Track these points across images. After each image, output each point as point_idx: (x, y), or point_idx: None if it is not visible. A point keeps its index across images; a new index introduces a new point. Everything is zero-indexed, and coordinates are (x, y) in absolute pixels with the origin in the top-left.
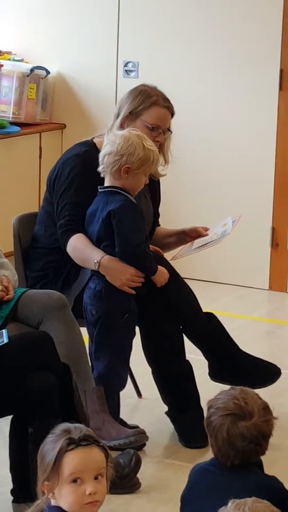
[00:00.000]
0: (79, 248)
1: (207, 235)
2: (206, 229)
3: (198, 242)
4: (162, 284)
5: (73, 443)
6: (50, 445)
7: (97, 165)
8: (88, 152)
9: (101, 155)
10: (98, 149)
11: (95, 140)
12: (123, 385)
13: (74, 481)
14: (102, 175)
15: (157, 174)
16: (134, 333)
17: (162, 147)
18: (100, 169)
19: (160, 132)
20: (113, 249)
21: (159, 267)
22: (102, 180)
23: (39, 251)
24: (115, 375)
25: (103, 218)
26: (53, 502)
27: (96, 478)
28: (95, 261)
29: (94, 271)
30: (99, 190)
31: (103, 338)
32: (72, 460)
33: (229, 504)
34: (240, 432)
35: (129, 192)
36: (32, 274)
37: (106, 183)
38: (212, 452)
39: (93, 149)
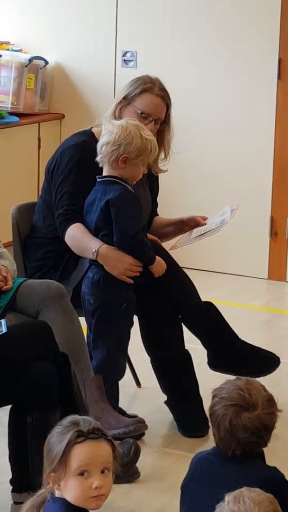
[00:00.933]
0: (77, 237)
1: (205, 224)
2: (205, 218)
3: (196, 231)
4: (159, 274)
5: (82, 435)
6: (58, 437)
7: (96, 154)
8: (86, 142)
9: (99, 145)
10: (97, 139)
11: (93, 130)
12: (121, 375)
13: (81, 474)
14: (100, 165)
15: (158, 170)
16: (132, 323)
17: (162, 141)
18: (98, 159)
19: (151, 120)
20: (111, 238)
21: (157, 257)
22: (100, 169)
23: (38, 241)
24: (114, 365)
25: (101, 208)
26: (57, 494)
27: (102, 471)
28: (93, 250)
29: (92, 261)
30: (98, 180)
31: (101, 328)
32: (80, 453)
33: (226, 498)
34: (242, 424)
35: (127, 181)
36: (30, 264)
37: (104, 173)
38: (214, 441)
39: (92, 138)
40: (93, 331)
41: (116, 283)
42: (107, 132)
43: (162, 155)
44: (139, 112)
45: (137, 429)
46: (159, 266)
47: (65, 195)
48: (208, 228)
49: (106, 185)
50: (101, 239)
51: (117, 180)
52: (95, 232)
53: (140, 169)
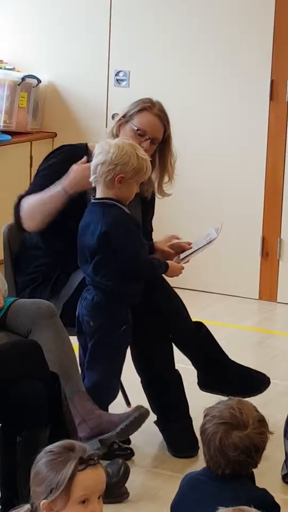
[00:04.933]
0: (35, 198)
1: (191, 248)
2: (190, 244)
3: (183, 254)
4: (177, 275)
5: (83, 463)
6: (54, 465)
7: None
8: (78, 147)
9: (93, 164)
10: (89, 149)
11: (88, 144)
12: (114, 396)
13: (83, 501)
14: (93, 185)
15: (163, 194)
16: (128, 344)
17: (165, 165)
18: (92, 179)
19: (146, 138)
20: (107, 260)
21: (169, 262)
22: None
23: (30, 253)
24: (108, 387)
25: (99, 235)
26: None
27: (98, 497)
28: (58, 190)
29: (89, 282)
30: (92, 201)
31: (99, 350)
32: (84, 481)
33: None
34: (232, 442)
35: (122, 201)
36: (21, 279)
37: (99, 194)
38: (204, 460)
39: (85, 148)
40: (91, 352)
41: (117, 305)
42: (103, 151)
43: (166, 179)
44: (136, 128)
45: (141, 414)
46: (175, 272)
47: (33, 187)
48: (194, 249)
49: (103, 208)
50: (99, 261)
51: (114, 202)
52: (91, 255)
53: (134, 188)
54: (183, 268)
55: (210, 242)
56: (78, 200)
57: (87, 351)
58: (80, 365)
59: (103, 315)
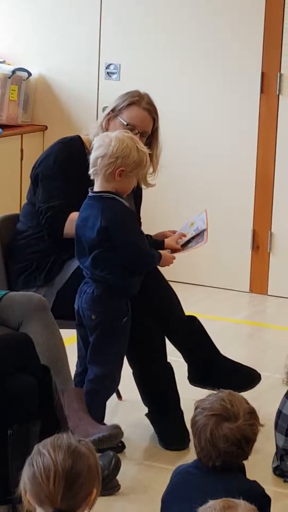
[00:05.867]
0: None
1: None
2: (174, 232)
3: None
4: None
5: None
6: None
7: (80, 152)
8: (73, 140)
9: (93, 157)
10: (83, 141)
11: (81, 136)
12: (115, 389)
13: None
14: (92, 177)
15: (147, 184)
16: (129, 335)
17: (150, 156)
18: (91, 171)
19: (136, 132)
20: (106, 254)
21: (162, 253)
22: (86, 167)
23: (23, 242)
24: (111, 379)
25: (99, 230)
26: None
27: None
28: None
29: (88, 276)
30: (90, 194)
31: (102, 343)
32: None
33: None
34: (223, 434)
35: (120, 195)
36: (15, 266)
37: (97, 187)
38: (195, 452)
39: (79, 140)
40: (93, 345)
41: (118, 298)
42: (103, 144)
43: (150, 169)
44: (125, 123)
45: (112, 434)
46: (167, 262)
47: (57, 190)
48: (185, 240)
49: (102, 202)
50: (98, 255)
51: (113, 195)
52: (90, 249)
53: (133, 182)
54: (174, 258)
55: (201, 232)
56: (79, 192)
57: (89, 344)
58: (78, 357)
59: (104, 308)
